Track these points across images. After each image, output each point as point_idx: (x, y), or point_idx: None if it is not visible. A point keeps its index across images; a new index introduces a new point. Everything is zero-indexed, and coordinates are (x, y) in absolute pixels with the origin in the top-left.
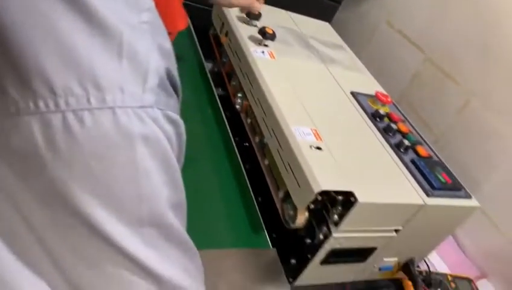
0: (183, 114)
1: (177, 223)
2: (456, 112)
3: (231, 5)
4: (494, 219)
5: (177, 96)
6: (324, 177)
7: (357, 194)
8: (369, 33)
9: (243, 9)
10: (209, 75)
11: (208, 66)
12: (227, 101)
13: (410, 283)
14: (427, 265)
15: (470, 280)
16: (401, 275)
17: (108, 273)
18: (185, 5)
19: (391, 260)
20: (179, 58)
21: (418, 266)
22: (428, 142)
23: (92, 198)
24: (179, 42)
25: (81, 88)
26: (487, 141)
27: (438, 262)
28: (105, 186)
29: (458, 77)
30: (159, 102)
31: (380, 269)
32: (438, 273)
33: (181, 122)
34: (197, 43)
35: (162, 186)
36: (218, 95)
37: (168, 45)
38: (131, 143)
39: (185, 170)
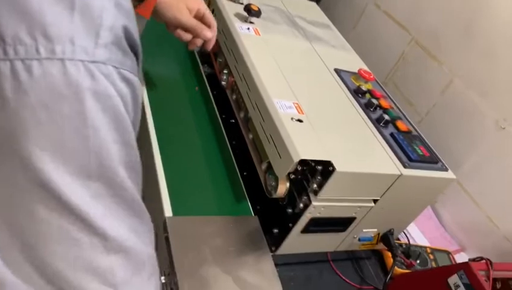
0: (171, 92)
1: (129, 183)
2: (439, 92)
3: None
4: (473, 195)
5: (137, 57)
6: (303, 147)
7: (335, 164)
8: (357, 14)
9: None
10: (196, 55)
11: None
12: (215, 80)
13: (390, 254)
14: (407, 238)
15: (448, 253)
16: (381, 247)
17: (52, 226)
18: None
19: (371, 231)
20: (166, 39)
21: (398, 239)
22: (410, 120)
23: (38, 148)
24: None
25: (30, 37)
26: (469, 120)
27: (419, 237)
28: (52, 136)
29: (442, 57)
30: (113, 59)
31: (360, 240)
32: (417, 246)
33: (138, 84)
34: None
35: (112, 143)
36: (205, 73)
37: (128, 4)
38: (79, 96)
39: (173, 145)
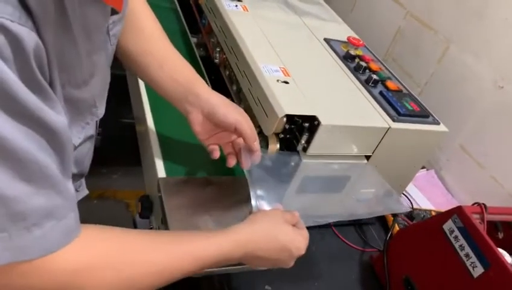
0: None
1: (15, 136)
2: (436, 61)
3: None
4: (477, 157)
5: (28, 10)
6: (288, 103)
7: (320, 118)
8: None
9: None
10: (193, 44)
11: (194, 40)
12: (212, 65)
13: (391, 217)
14: (411, 202)
15: None
16: None
17: None
18: None
19: (368, 191)
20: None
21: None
22: (403, 83)
23: None
24: (166, 16)
25: None
26: (467, 84)
27: (425, 203)
28: None
29: (437, 26)
30: None
31: (358, 201)
32: (421, 209)
33: (22, 34)
34: (181, 14)
35: None
36: (200, 56)
37: None
38: None
39: (166, 109)
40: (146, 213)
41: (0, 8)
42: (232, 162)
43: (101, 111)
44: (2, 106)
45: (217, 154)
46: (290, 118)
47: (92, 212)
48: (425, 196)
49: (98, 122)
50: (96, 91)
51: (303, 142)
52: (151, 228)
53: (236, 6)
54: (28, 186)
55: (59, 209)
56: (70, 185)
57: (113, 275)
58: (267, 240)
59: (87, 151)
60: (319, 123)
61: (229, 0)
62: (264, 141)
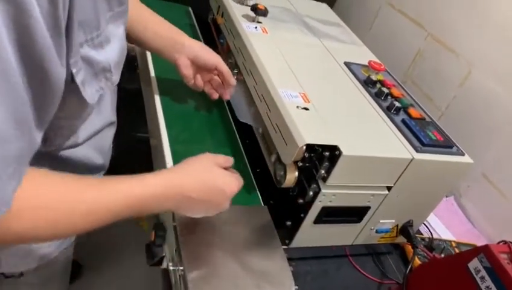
0: (184, 94)
1: (13, 63)
2: (458, 84)
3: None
4: (499, 185)
5: None
6: (309, 132)
7: (341, 148)
8: (372, 16)
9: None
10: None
11: None
12: None
13: (411, 247)
14: (430, 232)
15: (475, 246)
16: (402, 240)
17: None
18: None
19: (388, 222)
20: None
21: (420, 233)
22: (425, 109)
23: None
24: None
25: None
26: (489, 109)
27: (444, 232)
28: None
29: (459, 49)
30: None
31: (377, 232)
32: (441, 240)
33: None
34: (199, 31)
35: None
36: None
37: None
38: None
39: (184, 142)
40: (159, 241)
41: None
42: (215, 96)
43: (115, 78)
44: (16, 37)
45: (215, 96)
46: (309, 146)
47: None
48: (444, 224)
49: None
50: (112, 57)
51: (323, 172)
52: (163, 257)
53: (256, 28)
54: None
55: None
56: (38, 137)
57: (45, 215)
58: (200, 181)
59: (109, 139)
60: (340, 153)
61: (248, 22)
62: (282, 168)
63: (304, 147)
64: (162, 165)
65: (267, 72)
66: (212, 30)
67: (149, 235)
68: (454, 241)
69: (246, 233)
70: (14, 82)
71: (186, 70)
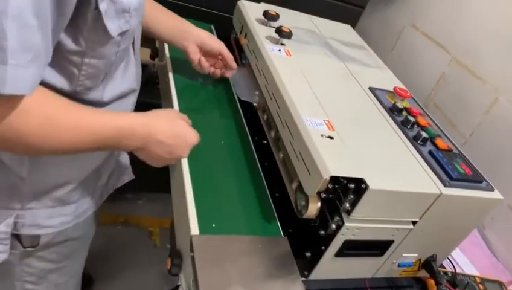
0: (204, 114)
1: None
2: (484, 111)
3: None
4: None
5: None
6: (334, 163)
7: (368, 181)
8: (394, 37)
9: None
10: (230, 80)
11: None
12: (248, 102)
13: (433, 282)
14: (453, 266)
15: (500, 283)
16: (424, 274)
17: None
18: (208, 13)
19: (411, 256)
20: None
21: (443, 267)
22: (451, 138)
23: None
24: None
25: None
26: None
27: (467, 266)
28: None
29: (485, 75)
30: None
31: (399, 266)
32: (465, 275)
33: None
34: None
35: None
36: (238, 96)
37: None
38: None
39: (203, 164)
40: (175, 271)
41: None
42: (218, 74)
43: (134, 22)
44: None
45: (218, 74)
46: (334, 177)
47: (116, 237)
48: (467, 256)
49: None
50: (132, 1)
51: (347, 205)
52: (178, 285)
53: (279, 50)
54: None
55: (44, 55)
56: (51, 45)
57: (45, 123)
58: (167, 126)
59: (130, 106)
60: (366, 187)
61: (272, 44)
62: (304, 198)
63: (329, 179)
64: (183, 205)
65: (290, 97)
66: (234, 49)
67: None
68: (478, 277)
69: (264, 264)
70: None
71: (194, 55)
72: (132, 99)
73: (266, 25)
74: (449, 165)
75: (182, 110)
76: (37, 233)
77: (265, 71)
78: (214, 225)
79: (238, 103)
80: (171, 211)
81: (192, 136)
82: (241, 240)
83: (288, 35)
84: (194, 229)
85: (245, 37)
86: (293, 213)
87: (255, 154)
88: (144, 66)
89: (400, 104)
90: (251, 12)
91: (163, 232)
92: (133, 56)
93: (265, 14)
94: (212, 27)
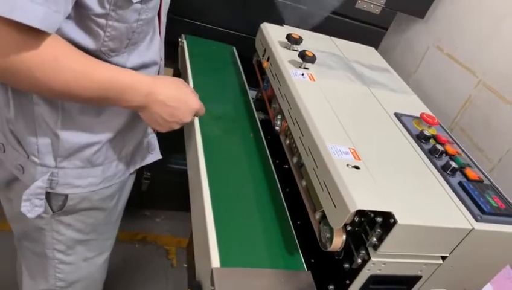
0: (226, 138)
1: None
2: None
3: None
4: None
5: None
6: (361, 196)
7: (396, 215)
8: (417, 58)
9: None
10: (251, 101)
11: (252, 94)
12: (269, 126)
13: None
14: None
15: None
16: None
17: None
18: (230, 35)
19: None
20: (223, 86)
21: None
22: (481, 167)
23: None
24: (225, 70)
25: None
26: None
27: None
28: None
29: None
30: None
31: None
32: None
33: None
34: (242, 70)
35: None
36: (259, 119)
37: None
38: None
39: (224, 192)
40: None
41: None
42: None
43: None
44: None
45: None
46: (361, 210)
47: (133, 255)
48: None
49: (161, 61)
50: None
51: (374, 239)
52: None
53: (302, 75)
54: None
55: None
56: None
57: (52, 60)
58: (171, 87)
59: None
60: (395, 222)
61: (295, 68)
62: (329, 230)
63: (355, 212)
64: (201, 214)
65: (314, 124)
66: (256, 71)
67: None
68: None
69: None
70: None
71: None
72: (154, 69)
73: (289, 48)
74: (480, 197)
75: (203, 132)
76: (68, 192)
77: (288, 96)
78: (235, 257)
79: (260, 126)
80: (189, 230)
81: (194, 102)
82: (263, 274)
83: (312, 59)
84: (215, 261)
85: (268, 60)
86: (315, 243)
87: (277, 180)
88: None
89: (427, 132)
90: (274, 35)
91: (179, 251)
92: (158, 32)
93: (289, 37)
94: (234, 49)
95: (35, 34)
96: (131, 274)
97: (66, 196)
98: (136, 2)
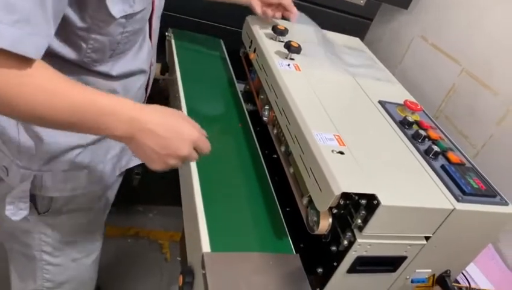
0: (215, 129)
1: None
2: (496, 123)
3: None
4: None
5: None
6: (345, 179)
7: (379, 197)
8: (403, 48)
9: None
10: (239, 93)
11: (240, 86)
12: (257, 117)
13: None
14: (467, 280)
15: None
16: (437, 289)
17: None
18: (217, 28)
19: (424, 272)
20: (211, 78)
21: (457, 282)
22: (463, 151)
23: None
24: (213, 63)
25: None
26: None
27: (481, 280)
28: None
29: (496, 87)
30: None
31: (412, 282)
32: None
33: None
34: (229, 63)
35: None
36: (248, 110)
37: None
38: None
39: (214, 180)
40: (187, 288)
41: None
42: (280, 16)
43: (137, 6)
44: None
45: (280, 16)
46: (345, 193)
47: (126, 250)
48: (481, 271)
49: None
50: None
51: (359, 221)
52: None
53: (288, 65)
54: None
55: (39, 23)
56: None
57: (23, 80)
58: (161, 114)
59: (139, 86)
60: (378, 203)
61: (281, 59)
62: (315, 214)
63: (340, 195)
64: (191, 201)
65: (300, 112)
66: (243, 63)
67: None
68: None
69: (276, 282)
70: None
71: (259, 8)
72: (142, 78)
73: (275, 39)
74: (462, 179)
75: None
76: (52, 195)
77: (275, 86)
78: (225, 242)
79: (248, 117)
80: (182, 224)
81: (191, 131)
82: (252, 257)
83: (297, 50)
84: (206, 246)
85: (254, 51)
86: (304, 228)
87: (266, 168)
88: (154, 81)
89: (410, 118)
90: (260, 27)
91: (173, 245)
92: (148, 39)
93: (274, 28)
94: (222, 42)
95: (5, 56)
96: (125, 270)
97: (51, 198)
98: (120, 18)
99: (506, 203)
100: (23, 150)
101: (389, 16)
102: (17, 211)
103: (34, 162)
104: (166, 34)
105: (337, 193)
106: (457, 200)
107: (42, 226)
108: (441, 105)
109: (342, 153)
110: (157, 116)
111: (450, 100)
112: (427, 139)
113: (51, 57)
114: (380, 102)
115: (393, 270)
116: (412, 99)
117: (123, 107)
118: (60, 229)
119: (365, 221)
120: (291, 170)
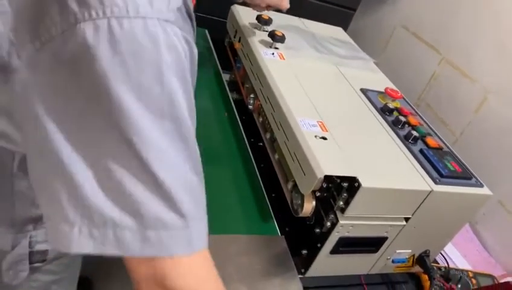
0: (200, 118)
1: (191, 125)
2: (474, 110)
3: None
4: None
5: (192, 24)
6: (327, 163)
7: (360, 179)
8: (385, 38)
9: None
10: (225, 83)
11: (226, 76)
12: (243, 106)
13: (427, 277)
14: (446, 261)
15: (493, 277)
16: (418, 270)
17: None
18: (202, 18)
19: (404, 252)
20: (198, 68)
21: (437, 263)
22: (442, 138)
23: (126, 87)
24: (198, 53)
25: (122, 1)
26: (506, 136)
27: (460, 261)
28: (136, 79)
29: (474, 75)
30: (178, 22)
31: (393, 262)
32: (458, 270)
33: (194, 45)
34: (215, 53)
35: (178, 88)
36: (233, 99)
37: None
38: (157, 47)
39: (203, 168)
40: None
41: (183, 25)
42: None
43: None
44: (187, 104)
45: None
46: (328, 176)
47: None
48: (459, 251)
49: None
50: None
51: (341, 203)
52: None
53: (273, 54)
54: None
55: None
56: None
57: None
58: None
59: None
60: (359, 185)
61: (265, 48)
62: (299, 197)
63: (322, 178)
64: None
65: (284, 100)
66: (228, 53)
67: None
68: (471, 271)
69: (262, 263)
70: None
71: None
72: None
73: (259, 29)
74: (439, 163)
75: None
76: (48, 248)
77: (260, 75)
78: (212, 226)
79: (234, 106)
80: None
81: None
82: (239, 240)
83: (281, 39)
84: None
85: (239, 41)
86: (289, 212)
87: (251, 156)
88: None
89: (391, 105)
90: (244, 16)
91: None
92: None
93: (258, 18)
94: (207, 32)
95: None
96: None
97: (47, 250)
98: None
99: (481, 185)
100: (21, 217)
101: (372, 6)
102: (16, 275)
103: (30, 224)
104: None
105: (320, 175)
106: (435, 182)
107: (33, 275)
108: (423, 93)
109: (324, 138)
110: None
111: (431, 88)
112: (406, 125)
113: None
114: (362, 90)
115: (375, 251)
116: (393, 87)
117: None
118: (49, 272)
119: (347, 203)
120: (276, 157)
